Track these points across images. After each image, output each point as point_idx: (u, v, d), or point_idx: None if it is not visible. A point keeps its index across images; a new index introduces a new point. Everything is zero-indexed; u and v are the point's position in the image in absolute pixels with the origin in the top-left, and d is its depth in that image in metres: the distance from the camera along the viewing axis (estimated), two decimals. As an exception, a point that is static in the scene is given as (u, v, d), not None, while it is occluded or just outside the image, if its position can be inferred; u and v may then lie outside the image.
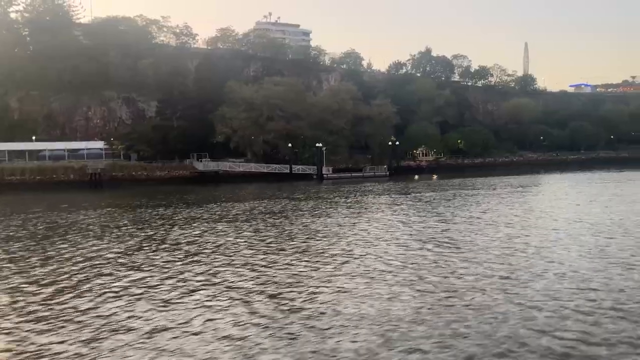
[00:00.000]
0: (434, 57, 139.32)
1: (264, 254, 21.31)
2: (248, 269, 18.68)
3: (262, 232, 27.41)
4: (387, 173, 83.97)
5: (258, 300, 14.68)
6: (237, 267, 18.95)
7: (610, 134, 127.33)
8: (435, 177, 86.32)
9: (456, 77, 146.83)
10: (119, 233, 28.26)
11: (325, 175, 79.32)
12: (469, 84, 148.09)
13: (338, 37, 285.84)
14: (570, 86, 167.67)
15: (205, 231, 28.06)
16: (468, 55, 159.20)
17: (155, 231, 28.64)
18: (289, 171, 78.35)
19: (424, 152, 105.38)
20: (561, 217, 30.55)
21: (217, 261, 20.18)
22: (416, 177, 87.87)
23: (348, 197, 49.07)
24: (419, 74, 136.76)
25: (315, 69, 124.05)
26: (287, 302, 14.50)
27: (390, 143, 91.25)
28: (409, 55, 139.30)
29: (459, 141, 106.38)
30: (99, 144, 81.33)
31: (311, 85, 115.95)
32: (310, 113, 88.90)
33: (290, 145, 79.97)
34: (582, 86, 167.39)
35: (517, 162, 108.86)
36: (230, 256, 21.10)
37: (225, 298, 15.02)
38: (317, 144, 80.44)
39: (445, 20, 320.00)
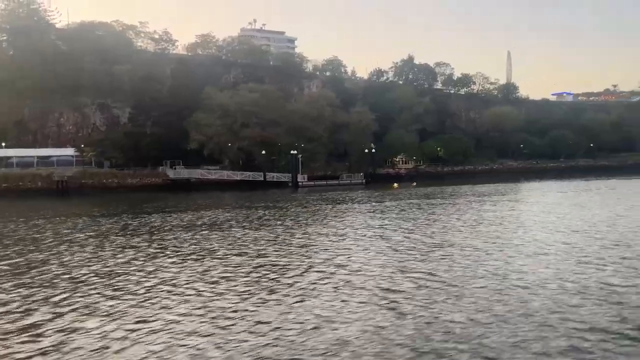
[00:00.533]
0: (417, 65, 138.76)
1: (202, 273, 19.71)
2: (198, 284, 17.11)
3: (211, 244, 25.90)
4: (364, 181, 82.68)
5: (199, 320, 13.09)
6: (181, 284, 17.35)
7: (590, 142, 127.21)
8: (414, 184, 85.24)
9: (439, 85, 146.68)
10: (51, 244, 26.57)
11: (300, 183, 77.90)
12: (452, 92, 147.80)
13: (323, 45, 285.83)
14: (553, 95, 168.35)
15: (149, 243, 26.42)
16: (451, 63, 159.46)
17: (100, 242, 26.99)
18: (262, 179, 76.69)
19: (404, 159, 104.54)
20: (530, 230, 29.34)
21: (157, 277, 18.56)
22: (395, 185, 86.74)
23: (316, 205, 47.62)
24: (401, 82, 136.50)
25: (297, 76, 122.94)
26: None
27: (367, 151, 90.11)
28: (391, 63, 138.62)
29: (438, 149, 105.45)
30: (69, 151, 79.40)
31: (292, 92, 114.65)
32: (287, 120, 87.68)
33: (264, 152, 78.42)
34: (564, 95, 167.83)
35: (497, 170, 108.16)
36: (171, 274, 19.48)
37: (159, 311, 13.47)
38: (291, 152, 78.93)
39: (429, 28, 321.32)
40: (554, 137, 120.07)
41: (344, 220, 35.45)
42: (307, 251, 23.55)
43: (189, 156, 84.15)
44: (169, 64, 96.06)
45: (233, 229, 31.53)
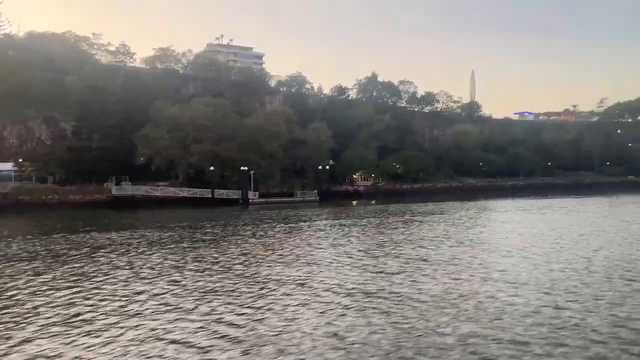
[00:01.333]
0: (380, 83, 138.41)
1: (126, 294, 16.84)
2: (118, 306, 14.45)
3: (138, 265, 23.21)
4: (317, 198, 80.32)
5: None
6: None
7: (549, 160, 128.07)
8: (373, 202, 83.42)
9: (403, 103, 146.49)
10: None
11: (251, 201, 75.07)
12: (416, 109, 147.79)
13: (292, 62, 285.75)
14: (515, 114, 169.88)
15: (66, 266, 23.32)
16: (415, 81, 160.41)
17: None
18: (211, 196, 73.61)
19: (363, 177, 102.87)
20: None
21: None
22: (354, 202, 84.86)
23: (258, 224, 44.89)
24: (365, 99, 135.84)
25: (259, 92, 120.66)
26: None
27: (321, 167, 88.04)
28: (355, 80, 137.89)
29: (397, 166, 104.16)
30: (7, 166, 75.05)
31: (253, 108, 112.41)
32: (241, 135, 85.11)
33: (212, 168, 75.44)
34: (526, 114, 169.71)
35: (455, 188, 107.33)
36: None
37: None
38: (242, 167, 76.19)
39: (395, 46, 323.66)
40: (513, 155, 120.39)
41: (288, 239, 32.97)
42: (238, 272, 21.01)
43: (139, 172, 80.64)
44: (123, 77, 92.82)
45: (162, 250, 29.08)
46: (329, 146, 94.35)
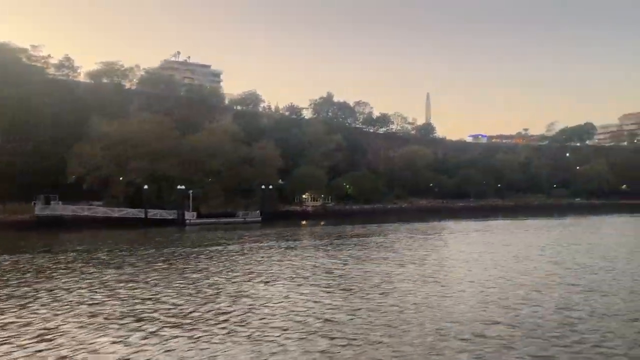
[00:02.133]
0: (335, 103, 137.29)
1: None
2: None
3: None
4: (260, 219, 76.93)
5: None
6: None
7: (499, 182, 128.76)
8: (323, 223, 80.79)
9: (359, 124, 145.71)
10: None
11: (188, 221, 71.06)
12: (371, 130, 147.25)
13: (252, 81, 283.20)
14: (469, 136, 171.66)
15: None
16: (370, 102, 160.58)
17: None
18: (144, 216, 69.18)
19: (313, 197, 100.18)
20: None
21: None
22: (304, 222, 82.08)
23: (186, 247, 41.30)
24: (320, 119, 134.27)
25: (211, 109, 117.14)
26: None
27: (269, 186, 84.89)
28: (308, 100, 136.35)
29: (347, 186, 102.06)
30: None
31: (203, 125, 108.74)
32: (182, 153, 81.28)
33: (146, 187, 71.08)
34: (480, 137, 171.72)
35: (406, 209, 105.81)
36: None
37: None
38: (179, 186, 72.22)
39: (350, 68, 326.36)
40: (464, 177, 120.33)
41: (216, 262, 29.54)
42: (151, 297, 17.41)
43: (74, 190, 75.41)
44: (61, 91, 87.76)
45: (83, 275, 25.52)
46: (278, 165, 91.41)
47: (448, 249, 39.41)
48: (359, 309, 18.52)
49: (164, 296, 21.30)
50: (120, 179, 77.12)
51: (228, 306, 19.38)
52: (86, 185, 72.14)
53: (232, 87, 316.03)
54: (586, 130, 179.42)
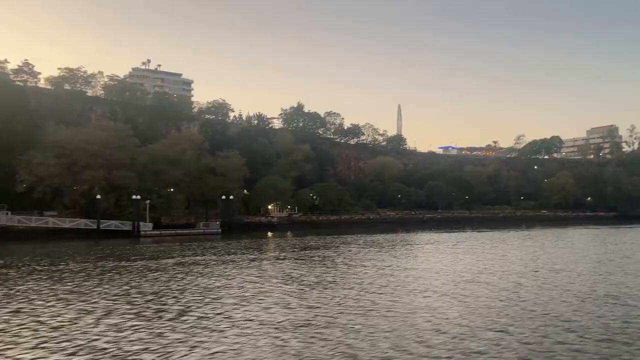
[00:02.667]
0: (306, 113, 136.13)
1: None
2: None
3: None
4: (219, 230, 74.63)
5: None
6: None
7: (467, 194, 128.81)
8: (289, 233, 79.00)
9: (330, 134, 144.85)
10: None
11: (143, 233, 68.37)
12: (342, 141, 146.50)
13: (223, 90, 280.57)
14: (439, 148, 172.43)
15: None
16: (342, 113, 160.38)
17: None
18: (96, 227, 66.24)
19: (279, 207, 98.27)
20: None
21: None
22: (270, 233, 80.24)
23: (139, 260, 38.76)
24: (290, 129, 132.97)
25: (177, 117, 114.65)
26: None
27: (231, 197, 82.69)
28: (280, 109, 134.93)
29: (314, 197, 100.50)
30: None
31: (169, 134, 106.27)
32: (141, 162, 78.71)
33: (99, 197, 68.11)
34: (450, 148, 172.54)
35: (373, 220, 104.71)
36: None
37: None
38: (134, 196, 69.52)
39: (322, 78, 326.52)
40: (431, 188, 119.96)
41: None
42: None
43: (24, 200, 71.99)
44: (15, 96, 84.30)
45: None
46: (242, 175, 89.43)
47: (395, 261, 37.98)
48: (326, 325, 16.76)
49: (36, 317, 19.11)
50: (75, 188, 74.24)
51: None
52: (36, 194, 68.92)
53: (203, 97, 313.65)
54: (553, 143, 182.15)
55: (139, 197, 69.39)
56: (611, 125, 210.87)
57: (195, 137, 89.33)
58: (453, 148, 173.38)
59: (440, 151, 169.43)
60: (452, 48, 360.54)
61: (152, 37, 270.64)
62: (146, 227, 69.28)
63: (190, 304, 21.58)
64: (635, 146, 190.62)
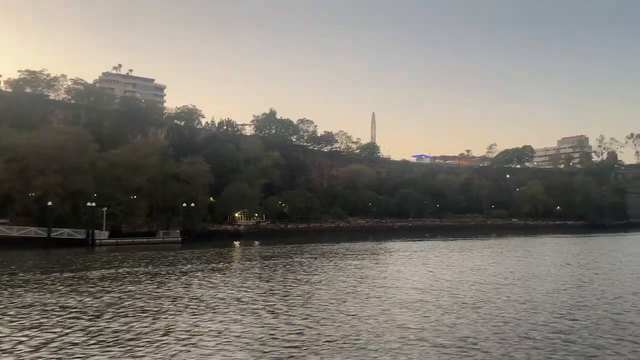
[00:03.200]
0: (278, 120, 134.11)
1: None
2: None
3: None
4: (179, 239, 71.85)
5: None
6: None
7: (439, 202, 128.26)
8: (257, 243, 76.72)
9: (303, 142, 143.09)
10: None
11: (98, 241, 65.25)
12: (315, 148, 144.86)
13: (197, 96, 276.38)
14: (413, 156, 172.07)
15: None
16: (315, 120, 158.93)
17: None
18: (46, 235, 62.89)
19: (247, 215, 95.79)
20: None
21: None
22: (236, 243, 77.83)
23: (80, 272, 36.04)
24: (263, 136, 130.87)
25: (144, 122, 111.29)
26: None
27: (185, 204, 79.91)
28: (252, 116, 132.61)
29: (282, 205, 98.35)
30: None
31: (135, 140, 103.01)
32: (101, 168, 75.55)
33: (50, 204, 64.70)
34: (423, 157, 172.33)
35: (343, 228, 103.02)
36: None
37: None
38: (89, 203, 66.36)
39: (296, 85, 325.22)
40: (403, 196, 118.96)
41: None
42: None
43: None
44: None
45: None
46: (207, 182, 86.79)
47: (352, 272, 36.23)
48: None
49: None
50: (30, 194, 70.80)
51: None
52: (-17, 200, 65.33)
53: (177, 103, 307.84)
54: (525, 152, 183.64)
55: (94, 204, 66.22)
56: (581, 136, 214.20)
57: (160, 142, 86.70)
58: (426, 157, 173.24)
59: (414, 160, 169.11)
60: (426, 58, 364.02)
61: (127, 42, 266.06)
62: (102, 235, 66.16)
63: (102, 322, 19.39)
64: (604, 156, 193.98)
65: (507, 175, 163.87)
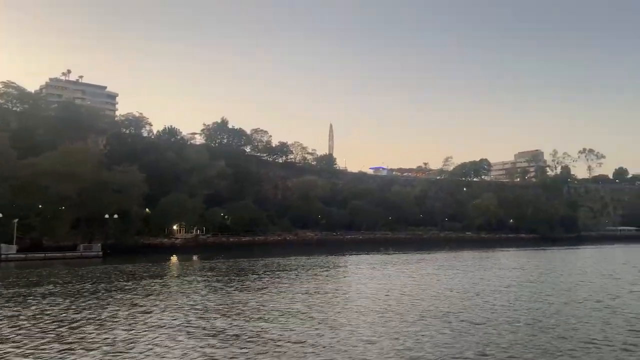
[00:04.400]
0: (230, 129, 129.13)
1: None
2: None
3: None
4: (100, 253, 65.71)
5: None
6: None
7: (393, 214, 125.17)
8: (195, 257, 71.10)
9: (257, 153, 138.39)
10: None
11: (4, 256, 58.59)
12: (269, 159, 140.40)
13: (149, 104, 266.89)
14: (371, 168, 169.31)
15: None
16: (272, 131, 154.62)
17: None
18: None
19: (186, 228, 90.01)
20: None
21: None
22: (174, 258, 72.03)
23: None
24: (213, 145, 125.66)
25: (85, 129, 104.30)
26: None
27: (107, 216, 74.03)
28: (202, 124, 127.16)
29: (225, 217, 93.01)
30: None
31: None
32: (23, 177, 68.97)
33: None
34: (380, 169, 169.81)
35: (290, 241, 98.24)
36: None
37: None
38: (-4, 215, 59.86)
39: (253, 95, 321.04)
40: (354, 208, 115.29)
41: None
42: None
43: None
44: None
45: None
46: (141, 192, 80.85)
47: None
48: None
49: None
50: None
51: None
52: None
53: (130, 110, 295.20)
54: (482, 166, 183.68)
55: (0, 215, 59.69)
56: (537, 150, 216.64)
57: (92, 149, 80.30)
58: (383, 169, 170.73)
59: (371, 172, 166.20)
60: (387, 70, 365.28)
61: (79, 47, 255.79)
62: (9, 249, 59.47)
63: None
64: (558, 170, 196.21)
65: (464, 189, 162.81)
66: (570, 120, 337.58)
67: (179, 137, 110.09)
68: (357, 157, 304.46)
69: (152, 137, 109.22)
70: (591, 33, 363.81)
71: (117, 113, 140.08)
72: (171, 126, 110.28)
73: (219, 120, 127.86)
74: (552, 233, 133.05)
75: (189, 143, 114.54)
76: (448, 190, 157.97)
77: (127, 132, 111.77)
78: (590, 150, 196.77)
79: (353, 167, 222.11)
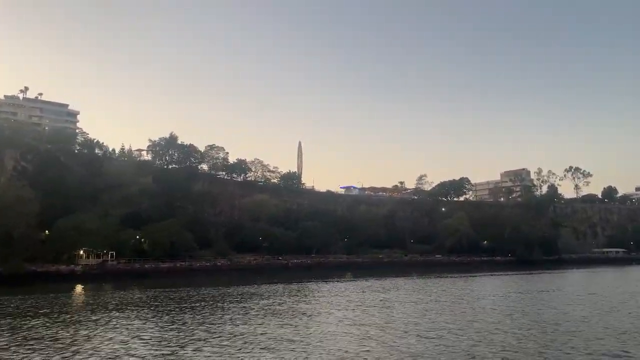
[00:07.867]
0: (180, 145, 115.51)
1: None
2: None
3: None
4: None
5: None
6: None
7: (355, 235, 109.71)
8: (105, 284, 56.97)
9: (213, 171, 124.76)
10: None
11: None
12: (226, 177, 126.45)
13: (117, 121, 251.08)
14: (341, 187, 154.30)
15: None
16: (240, 149, 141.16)
17: None
18: None
19: (93, 253, 75.36)
20: None
21: None
22: (80, 287, 58.21)
23: None
24: (160, 162, 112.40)
25: (4, 145, 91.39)
26: None
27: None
28: (149, 141, 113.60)
29: (142, 240, 78.44)
30: None
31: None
32: None
33: None
34: (352, 188, 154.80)
35: (222, 267, 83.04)
36: None
37: None
38: None
39: (217, 111, 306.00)
40: (305, 230, 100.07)
41: None
42: None
43: None
44: None
45: None
46: (31, 211, 66.84)
47: None
48: None
49: None
50: None
51: None
52: None
53: (93, 129, 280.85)
54: (462, 185, 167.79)
55: None
56: (523, 169, 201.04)
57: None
58: (355, 188, 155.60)
59: (342, 191, 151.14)
60: (364, 88, 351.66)
61: (39, 64, 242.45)
62: None
63: None
64: (544, 189, 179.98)
65: (443, 209, 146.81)
66: (554, 137, 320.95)
67: (100, 152, 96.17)
68: (331, 177, 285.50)
69: (76, 151, 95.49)
70: (576, 49, 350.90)
71: (77, 131, 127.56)
72: (95, 139, 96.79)
73: (167, 136, 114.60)
74: (530, 256, 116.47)
75: (124, 159, 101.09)
76: (423, 210, 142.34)
77: (50, 147, 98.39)
78: (577, 169, 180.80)
79: (325, 186, 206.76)
